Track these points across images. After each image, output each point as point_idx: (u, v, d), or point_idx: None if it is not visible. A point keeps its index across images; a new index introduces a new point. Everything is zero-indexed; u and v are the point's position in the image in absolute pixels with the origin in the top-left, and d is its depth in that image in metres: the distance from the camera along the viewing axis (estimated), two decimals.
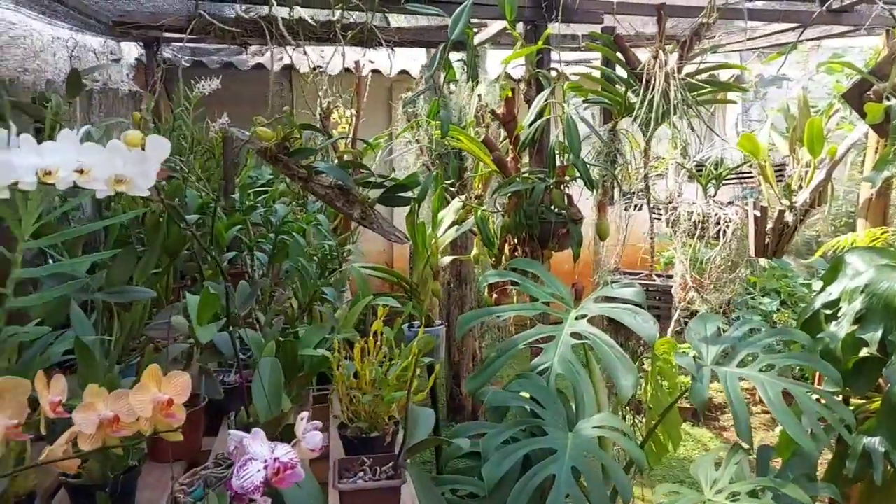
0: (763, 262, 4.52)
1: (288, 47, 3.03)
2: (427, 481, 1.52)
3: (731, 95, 5.55)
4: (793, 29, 3.10)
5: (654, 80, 2.08)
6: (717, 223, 3.48)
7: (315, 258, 2.97)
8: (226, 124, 4.22)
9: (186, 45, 5.64)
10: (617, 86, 2.46)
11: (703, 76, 2.32)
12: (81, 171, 1.10)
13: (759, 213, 3.02)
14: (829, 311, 2.26)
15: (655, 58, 2.15)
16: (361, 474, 1.55)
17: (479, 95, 3.41)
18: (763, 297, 4.55)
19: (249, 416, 1.72)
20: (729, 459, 1.87)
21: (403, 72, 5.50)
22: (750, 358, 1.96)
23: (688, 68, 2.49)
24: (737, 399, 1.81)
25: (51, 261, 2.15)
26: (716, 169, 3.68)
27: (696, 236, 3.54)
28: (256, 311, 2.40)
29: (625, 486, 1.73)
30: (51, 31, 3.27)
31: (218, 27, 2.43)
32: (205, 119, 4.30)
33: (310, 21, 2.43)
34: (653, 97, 2.05)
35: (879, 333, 2.09)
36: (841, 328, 2.16)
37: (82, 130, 2.01)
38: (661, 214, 3.99)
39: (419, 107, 3.56)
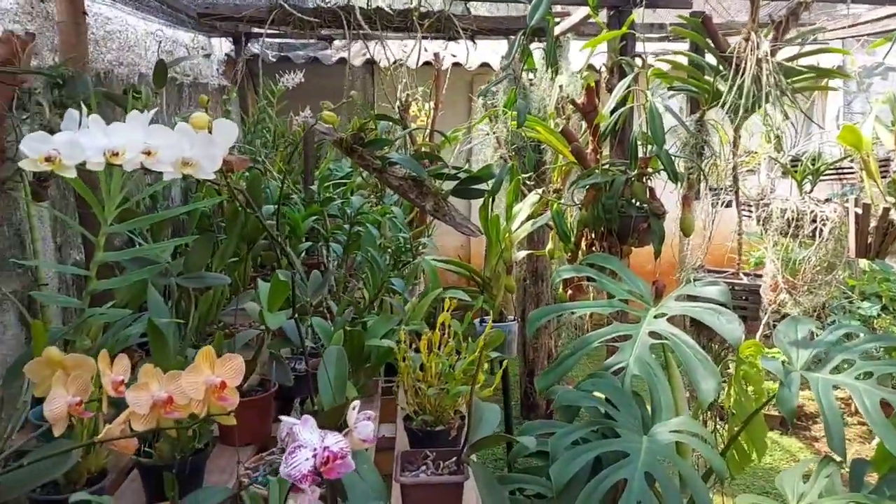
0: (863, 263, 4.23)
1: (370, 42, 3.05)
2: (491, 479, 1.47)
3: (833, 85, 5.20)
4: None
5: (745, 64, 1.94)
6: (813, 221, 3.26)
7: (388, 250, 2.98)
8: (308, 118, 4.30)
9: (274, 40, 5.79)
10: (705, 74, 2.33)
11: (800, 61, 2.16)
12: (148, 153, 1.11)
13: (860, 211, 2.80)
14: None
15: (747, 40, 2.01)
16: (424, 468, 1.52)
17: (560, 86, 3.32)
18: (862, 301, 4.25)
19: (315, 404, 1.72)
20: (819, 472, 1.74)
21: (485, 64, 5.45)
22: (845, 365, 1.81)
23: (784, 54, 2.33)
24: (829, 408, 1.68)
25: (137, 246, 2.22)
26: (813, 164, 3.45)
27: (788, 235, 3.33)
28: (329, 300, 2.41)
29: (703, 497, 1.63)
30: (144, 25, 3.40)
31: (297, 17, 2.45)
32: (289, 113, 4.40)
33: (387, 10, 2.41)
34: (743, 82, 1.92)
35: None
36: None
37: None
38: (751, 212, 3.78)
39: (498, 98, 3.50)
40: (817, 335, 1.99)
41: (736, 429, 1.99)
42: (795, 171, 3.55)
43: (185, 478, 1.50)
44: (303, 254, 2.87)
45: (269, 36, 3.87)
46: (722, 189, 3.65)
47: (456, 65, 5.23)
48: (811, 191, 3.50)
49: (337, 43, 5.75)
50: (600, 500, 1.61)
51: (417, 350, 1.78)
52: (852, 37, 3.47)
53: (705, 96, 2.25)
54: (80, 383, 0.99)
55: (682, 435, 1.76)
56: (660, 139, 2.09)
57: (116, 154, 1.05)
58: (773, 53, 2.00)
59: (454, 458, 1.50)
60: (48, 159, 0.99)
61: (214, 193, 2.71)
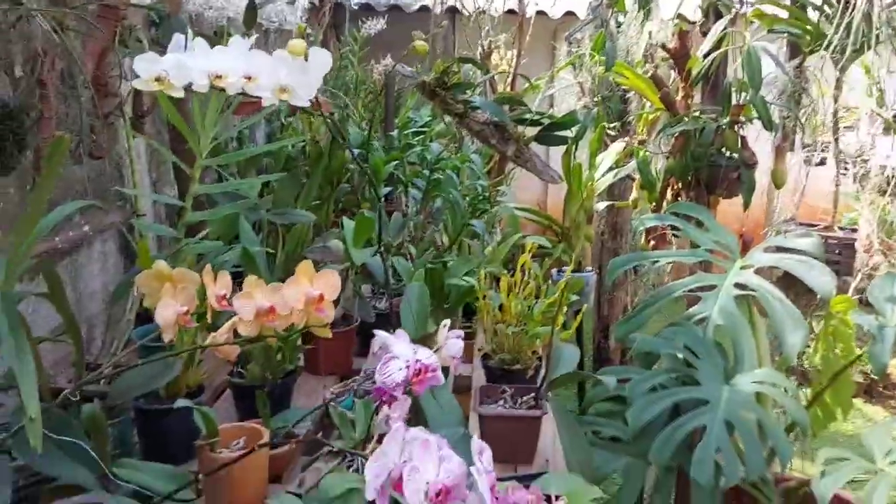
0: None
1: None
2: (569, 416, 1.49)
3: None
4: None
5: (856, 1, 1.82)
6: None
7: (466, 197, 2.99)
8: (389, 65, 4.30)
9: None
10: (809, 14, 2.20)
11: None
12: (248, 78, 1.14)
13: None
14: None
15: None
16: (502, 402, 1.55)
17: (650, 33, 3.21)
18: None
19: None
20: None
21: (569, 13, 5.32)
22: None
23: None
24: None
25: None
26: None
27: (887, 194, 3.15)
28: (408, 243, 2.45)
29: (784, 447, 1.60)
30: None
31: None
32: (370, 60, 4.42)
33: None
34: (851, 20, 1.80)
35: None
36: None
37: None
38: (847, 169, 3.59)
39: (583, 45, 3.42)
40: None
41: (822, 385, 1.93)
42: None
43: (274, 399, 1.58)
44: (382, 199, 2.92)
45: None
46: (818, 144, 3.48)
47: (539, 13, 5.11)
48: None
49: None
50: (677, 445, 1.61)
51: (497, 291, 1.79)
52: None
53: (808, 39, 2.13)
54: (187, 295, 1.04)
55: (765, 386, 1.72)
56: (756, 84, 2.00)
57: (220, 77, 1.09)
58: None
59: (532, 395, 1.52)
60: (158, 79, 1.04)
61: (299, 135, 2.78)
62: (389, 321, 1.97)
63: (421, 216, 2.83)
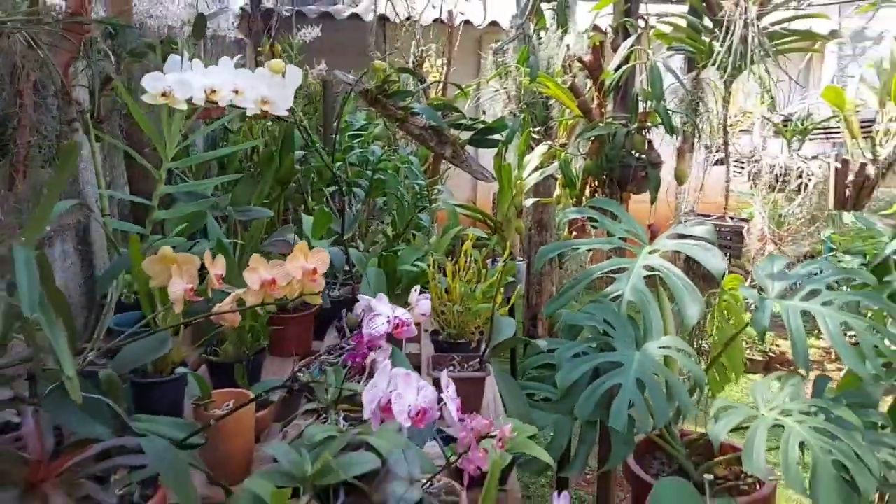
0: (848, 220, 4.49)
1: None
2: (507, 376, 1.75)
3: (822, 47, 5.39)
4: None
5: (734, 26, 2.17)
6: (799, 177, 3.52)
7: (407, 197, 3.23)
8: (324, 71, 4.50)
9: None
10: (702, 35, 2.55)
11: (786, 25, 2.39)
12: (236, 92, 1.35)
13: (839, 166, 3.05)
14: None
15: (737, 5, 2.24)
16: (451, 368, 1.80)
17: (568, 45, 3.53)
18: (845, 254, 4.53)
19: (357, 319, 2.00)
20: (785, 382, 2.03)
21: (493, 23, 5.63)
22: (812, 294, 2.08)
23: (775, 18, 2.56)
24: (796, 329, 1.95)
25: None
26: (801, 123, 3.69)
27: (776, 190, 3.59)
28: (357, 237, 2.68)
29: (685, 400, 1.92)
30: None
31: None
32: (303, 67, 4.60)
33: None
34: (731, 43, 2.15)
35: None
36: None
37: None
38: (742, 168, 4.03)
39: (508, 56, 3.71)
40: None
41: (717, 351, 2.27)
42: (786, 130, 3.79)
43: (248, 374, 1.79)
44: (325, 199, 3.13)
45: None
46: (717, 146, 3.89)
47: (466, 22, 5.41)
48: (799, 149, 3.74)
49: None
50: (597, 401, 1.89)
51: (444, 275, 2.05)
52: (846, 2, 3.67)
53: (701, 56, 2.48)
54: (190, 274, 1.25)
55: (670, 350, 2.04)
56: (658, 94, 2.33)
57: (214, 91, 1.30)
58: (760, 18, 2.23)
59: (477, 360, 1.78)
60: (164, 94, 1.24)
61: (249, 139, 2.96)
62: (343, 306, 2.19)
63: (364, 214, 3.06)
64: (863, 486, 1.72)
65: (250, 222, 2.36)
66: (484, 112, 4.16)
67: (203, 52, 4.42)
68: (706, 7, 2.39)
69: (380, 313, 1.08)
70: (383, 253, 2.11)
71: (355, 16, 5.88)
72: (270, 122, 3.20)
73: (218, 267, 1.29)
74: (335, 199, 3.37)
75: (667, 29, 2.58)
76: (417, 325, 2.36)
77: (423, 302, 1.21)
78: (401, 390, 1.01)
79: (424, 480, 1.24)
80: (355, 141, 3.73)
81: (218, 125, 2.59)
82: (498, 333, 1.77)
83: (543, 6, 3.34)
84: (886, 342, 2.07)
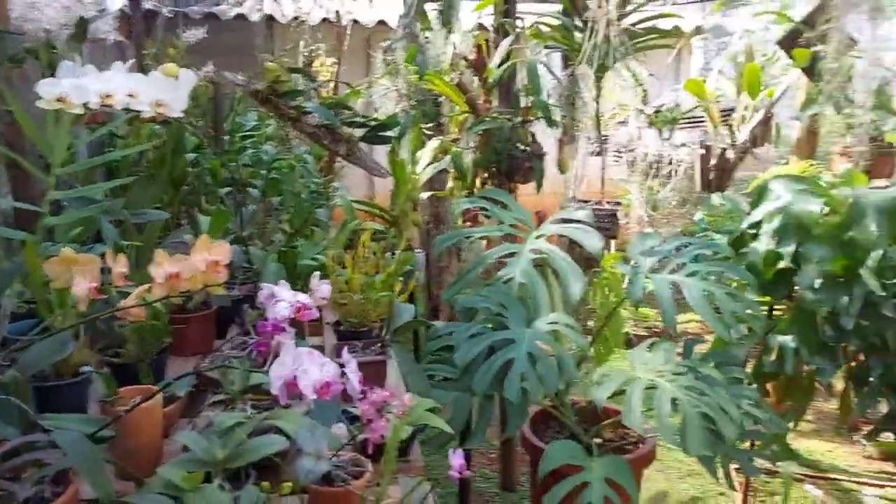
0: (716, 201, 4.89)
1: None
2: (408, 356, 1.86)
3: (696, 45, 5.82)
4: None
5: (597, 26, 2.38)
6: (670, 163, 3.82)
7: (303, 192, 3.28)
8: (211, 72, 4.45)
9: None
10: (576, 34, 2.75)
11: (648, 24, 2.63)
12: (132, 96, 1.39)
13: (703, 152, 3.35)
14: (753, 231, 2.62)
15: (599, 6, 2.44)
16: (354, 353, 1.89)
17: (454, 44, 3.68)
18: (715, 233, 4.93)
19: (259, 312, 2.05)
20: (658, 346, 2.25)
21: (381, 22, 5.72)
22: (678, 267, 2.31)
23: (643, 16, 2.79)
24: (666, 298, 2.17)
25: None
26: (670, 114, 4.01)
27: (650, 176, 3.88)
28: (255, 237, 2.71)
29: (570, 369, 2.10)
30: None
31: None
32: (189, 69, 4.53)
33: None
34: (595, 42, 2.36)
35: (792, 247, 2.45)
36: (761, 244, 2.53)
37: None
38: (621, 157, 4.33)
39: (397, 55, 3.82)
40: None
41: (601, 324, 2.48)
42: (657, 121, 4.09)
43: (151, 374, 1.81)
44: (220, 199, 3.13)
45: None
46: (597, 137, 4.15)
47: (354, 22, 5.47)
48: (670, 137, 4.06)
49: None
50: (493, 375, 2.04)
51: (344, 267, 2.13)
52: (700, 0, 4.01)
53: (574, 54, 2.68)
54: (93, 274, 1.28)
55: (558, 325, 2.21)
56: (537, 90, 2.50)
57: (109, 96, 1.33)
58: (620, 18, 2.45)
59: (378, 345, 1.88)
60: (59, 99, 1.26)
61: (137, 142, 2.91)
62: (244, 304, 2.24)
63: (262, 212, 3.08)
64: (726, 434, 1.95)
65: (145, 225, 2.36)
66: (376, 110, 4.25)
67: (82, 55, 4.27)
68: (574, 8, 2.59)
69: (282, 298, 1.16)
70: (282, 249, 2.17)
71: (241, 16, 5.81)
72: (158, 126, 3.17)
73: (120, 265, 1.33)
74: (231, 199, 3.38)
75: (544, 29, 2.76)
76: (320, 313, 2.44)
77: (323, 287, 1.29)
78: (306, 367, 1.09)
79: (331, 455, 1.33)
80: (247, 141, 3.73)
81: (105, 130, 2.55)
82: (397, 318, 1.88)
83: (428, 6, 3.47)
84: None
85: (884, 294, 2.29)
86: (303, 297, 1.18)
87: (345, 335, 2.08)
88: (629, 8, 2.51)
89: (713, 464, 2.02)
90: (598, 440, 2.42)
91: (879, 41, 2.75)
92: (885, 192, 2.35)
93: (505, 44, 2.63)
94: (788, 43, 2.92)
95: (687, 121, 4.27)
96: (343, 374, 1.14)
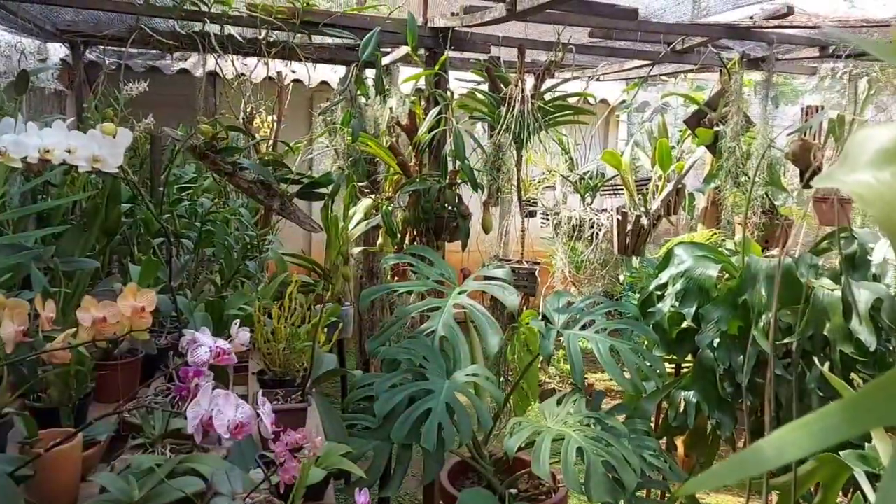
0: (635, 262, 5.16)
1: (212, 56, 3.41)
2: (330, 407, 1.94)
3: (622, 118, 6.18)
4: (650, 64, 3.72)
5: (514, 102, 2.59)
6: (591, 227, 4.05)
7: (238, 244, 3.35)
8: (151, 125, 4.52)
9: (109, 47, 5.85)
10: (499, 107, 2.97)
11: (569, 100, 2.86)
12: (69, 151, 1.48)
13: (620, 218, 3.59)
14: (659, 293, 2.82)
15: (516, 85, 2.66)
16: (276, 402, 1.96)
17: (391, 108, 3.87)
18: (632, 292, 5.19)
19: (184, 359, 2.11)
20: (568, 399, 2.39)
21: (323, 83, 5.90)
22: (589, 324, 2.48)
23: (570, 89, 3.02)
24: (575, 353, 2.33)
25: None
26: (592, 180, 4.27)
27: (573, 238, 4.10)
28: (185, 287, 2.76)
29: (486, 418, 2.21)
30: None
31: (156, 39, 2.78)
32: (129, 121, 4.58)
33: (238, 37, 2.81)
34: (508, 115, 2.57)
35: (693, 308, 2.66)
36: (666, 305, 2.73)
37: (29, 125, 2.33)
38: (547, 219, 4.55)
39: (336, 116, 3.98)
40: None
41: (517, 377, 2.61)
42: (580, 187, 4.35)
43: (73, 418, 1.84)
44: (152, 250, 3.18)
45: (108, 43, 4.06)
46: (526, 200, 4.37)
47: (297, 81, 5.63)
48: (591, 202, 4.31)
49: (177, 53, 5.92)
50: (412, 425, 2.13)
51: (270, 318, 2.21)
52: (619, 80, 4.33)
53: (496, 124, 2.89)
54: (20, 317, 1.35)
55: (478, 378, 2.33)
56: (461, 156, 2.68)
57: (48, 151, 1.42)
58: (537, 96, 2.67)
59: (300, 393, 1.96)
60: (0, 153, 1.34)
61: (72, 191, 2.96)
62: (168, 353, 2.28)
63: (193, 265, 3.14)
64: (626, 482, 2.08)
65: (75, 273, 2.39)
66: (311, 170, 4.39)
67: (21, 104, 4.29)
68: (491, 84, 2.81)
69: (202, 343, 1.25)
70: (210, 299, 2.23)
71: (184, 71, 5.91)
72: (94, 176, 3.22)
73: (48, 310, 1.40)
74: (163, 249, 3.42)
75: (469, 102, 2.97)
76: (244, 362, 2.50)
77: (243, 334, 1.38)
78: (221, 408, 1.18)
79: (245, 496, 1.40)
80: (184, 193, 3.79)
81: (40, 181, 2.60)
82: (318, 368, 1.96)
83: (369, 72, 3.66)
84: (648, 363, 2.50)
85: (774, 353, 2.50)
86: (222, 343, 1.27)
87: (268, 384, 2.15)
88: (544, 87, 2.73)
89: None
90: (513, 490, 2.53)
91: (772, 123, 3.06)
92: (774, 260, 2.59)
93: (432, 113, 2.81)
94: (693, 122, 3.21)
95: (609, 188, 4.55)
96: (257, 415, 1.22)
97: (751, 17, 2.88)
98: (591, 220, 4.06)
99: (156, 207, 3.43)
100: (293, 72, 5.70)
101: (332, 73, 5.91)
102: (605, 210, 4.25)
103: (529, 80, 2.74)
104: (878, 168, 0.62)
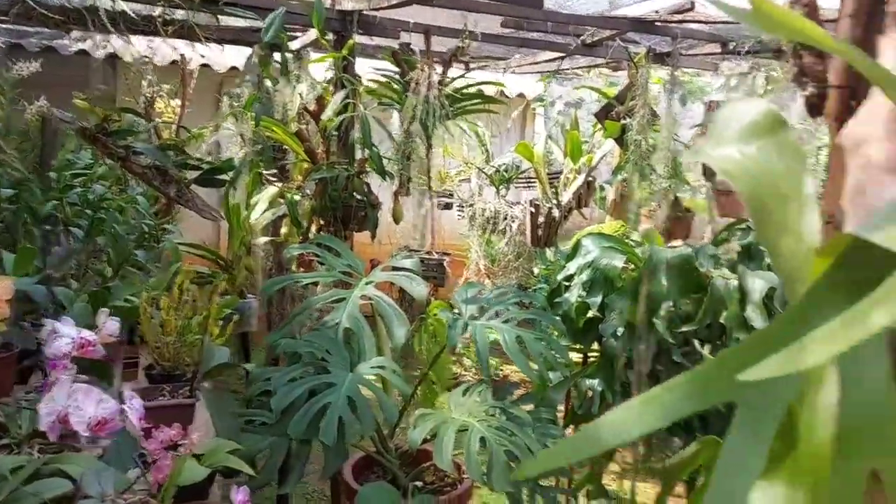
0: (550, 255, 5.22)
1: (114, 37, 3.21)
2: (220, 401, 1.84)
3: (539, 111, 6.23)
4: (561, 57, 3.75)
5: (419, 88, 2.54)
6: (505, 219, 4.06)
7: (132, 235, 3.17)
8: (44, 107, 4.24)
9: (1, 26, 5.45)
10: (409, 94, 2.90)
11: (473, 90, 2.83)
12: None
13: (532, 210, 3.60)
14: (567, 283, 2.84)
15: (422, 69, 2.61)
16: (162, 397, 1.84)
17: (301, 94, 3.75)
18: (546, 284, 5.26)
19: None
20: (474, 389, 2.36)
21: (234, 68, 5.69)
22: (496, 314, 2.46)
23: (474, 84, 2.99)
24: (482, 344, 2.30)
25: None
26: (507, 173, 4.27)
27: (487, 231, 4.09)
28: (70, 277, 2.58)
29: (391, 411, 2.16)
30: None
31: (40, 13, 2.58)
32: (20, 102, 4.28)
33: (132, 14, 2.64)
34: (415, 103, 2.52)
35: (599, 298, 2.68)
36: (573, 295, 2.74)
37: None
38: (463, 211, 4.53)
39: (244, 99, 3.82)
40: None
41: (426, 368, 2.56)
42: (495, 179, 4.35)
43: None
44: (42, 237, 2.96)
45: None
46: (442, 191, 4.34)
47: (205, 66, 5.41)
48: (506, 195, 4.32)
49: (76, 33, 5.58)
50: (310, 420, 2.05)
51: (160, 310, 2.08)
52: (530, 73, 4.36)
53: (405, 111, 2.83)
54: None
55: (380, 370, 2.27)
56: (368, 143, 2.61)
57: None
58: (444, 83, 2.63)
59: (187, 388, 1.85)
60: None
61: None
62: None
63: (83, 253, 2.94)
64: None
65: None
66: (217, 154, 4.21)
67: None
68: (400, 69, 2.75)
69: (63, 334, 1.14)
70: (94, 290, 2.09)
71: (84, 52, 5.58)
72: None
73: None
74: (49, 237, 3.20)
75: (377, 87, 2.89)
76: (134, 361, 2.36)
77: (111, 324, 1.28)
78: (80, 403, 1.08)
79: (116, 497, 1.30)
80: (77, 180, 3.56)
81: None
82: (210, 360, 1.86)
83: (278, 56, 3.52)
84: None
85: (673, 342, 2.55)
86: (87, 334, 1.16)
87: (157, 378, 2.03)
88: (457, 76, 2.69)
89: (520, 499, 2.14)
90: (419, 483, 2.48)
91: (677, 118, 3.14)
92: (675, 251, 2.64)
93: (338, 97, 2.73)
94: (602, 115, 3.25)
95: (523, 180, 4.57)
96: (122, 411, 1.13)
97: (656, 12, 2.93)
98: (505, 212, 4.06)
99: (43, 194, 3.22)
100: (203, 56, 5.47)
101: (243, 58, 5.71)
102: (519, 203, 4.26)
103: (441, 68, 2.70)
104: (745, 142, 0.60)
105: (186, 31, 2.84)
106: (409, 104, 2.57)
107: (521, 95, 6.38)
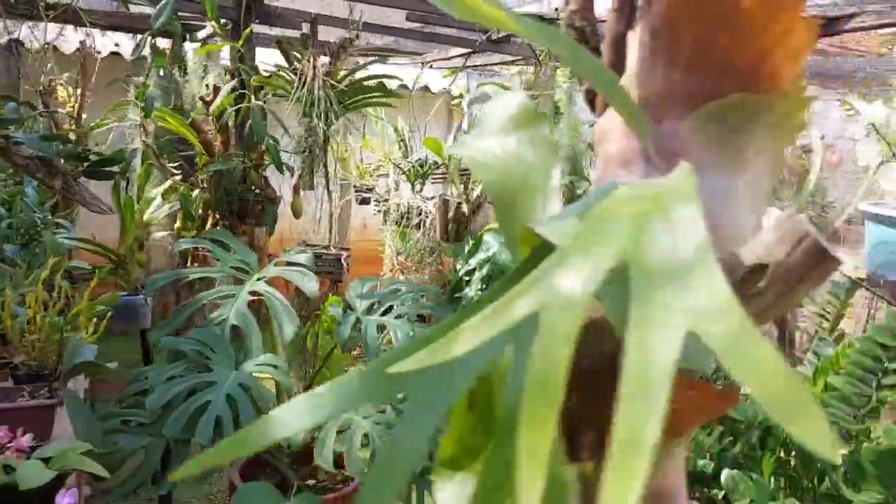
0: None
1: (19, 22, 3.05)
2: (81, 405, 1.77)
3: (465, 107, 6.24)
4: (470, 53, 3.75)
5: (305, 79, 2.50)
6: (419, 214, 4.04)
7: (21, 229, 3.02)
8: None
9: None
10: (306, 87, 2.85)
11: (372, 82, 2.81)
12: None
13: (442, 205, 3.60)
14: (468, 278, 2.85)
15: (308, 61, 2.57)
16: (21, 398, 1.76)
17: (207, 85, 3.64)
18: None
19: None
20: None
21: (143, 58, 5.50)
22: (390, 310, 2.45)
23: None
24: (372, 339, 2.28)
25: None
26: (421, 167, 4.26)
27: (401, 226, 4.07)
28: None
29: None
30: None
31: None
32: None
33: None
34: (302, 94, 2.48)
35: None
36: (472, 289, 2.75)
37: None
38: (378, 207, 4.50)
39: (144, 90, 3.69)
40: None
41: (319, 364, 2.53)
42: (410, 174, 4.33)
43: None
44: None
45: None
46: (359, 186, 4.29)
47: (115, 54, 5.21)
48: (421, 190, 4.30)
49: None
50: (188, 419, 1.99)
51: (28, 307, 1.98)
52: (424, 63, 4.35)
53: (292, 103, 2.77)
54: None
55: (267, 367, 2.22)
56: (261, 136, 2.55)
57: None
58: (332, 75, 2.60)
59: (46, 389, 1.76)
60: None
61: None
62: None
63: None
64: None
65: None
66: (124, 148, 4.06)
67: None
68: (287, 61, 2.70)
69: None
70: None
71: None
72: None
73: None
74: None
75: (274, 80, 2.83)
76: (7, 362, 2.25)
77: None
78: None
79: None
80: None
81: None
82: (74, 359, 1.78)
83: (190, 45, 3.41)
84: None
85: None
86: None
87: (23, 378, 1.93)
88: (338, 67, 2.66)
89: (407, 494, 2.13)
90: (311, 481, 2.45)
91: (577, 115, 3.19)
92: None
93: (227, 87, 2.66)
94: None
95: (439, 176, 4.56)
96: None
97: (556, 9, 2.96)
98: (419, 207, 4.05)
99: None
100: (117, 45, 5.26)
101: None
102: (432, 198, 4.26)
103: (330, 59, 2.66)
104: (506, 134, 0.59)
105: (71, 17, 2.72)
106: (295, 96, 2.52)
107: (446, 91, 6.38)
